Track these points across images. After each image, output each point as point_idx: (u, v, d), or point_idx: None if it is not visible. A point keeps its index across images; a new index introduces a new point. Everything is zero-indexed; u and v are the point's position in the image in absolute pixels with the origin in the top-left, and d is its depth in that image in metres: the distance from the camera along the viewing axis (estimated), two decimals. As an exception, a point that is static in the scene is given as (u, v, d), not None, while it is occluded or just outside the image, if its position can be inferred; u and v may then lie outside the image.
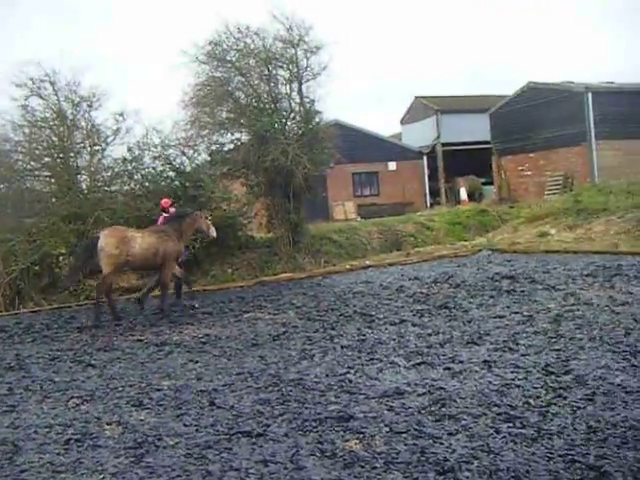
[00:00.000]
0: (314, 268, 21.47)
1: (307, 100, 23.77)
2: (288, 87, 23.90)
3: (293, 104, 23.90)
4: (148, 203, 19.80)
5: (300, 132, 23.31)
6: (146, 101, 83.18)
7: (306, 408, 7.56)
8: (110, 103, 26.93)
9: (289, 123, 23.77)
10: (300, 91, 23.79)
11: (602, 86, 40.37)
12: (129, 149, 21.35)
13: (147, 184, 21.34)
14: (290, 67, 23.54)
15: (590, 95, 38.06)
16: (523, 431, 6.40)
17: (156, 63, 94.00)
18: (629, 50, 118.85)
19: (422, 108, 53.01)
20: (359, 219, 36.85)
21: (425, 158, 47.78)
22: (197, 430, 7.15)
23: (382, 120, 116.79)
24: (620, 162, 36.85)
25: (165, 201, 17.11)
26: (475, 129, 48.13)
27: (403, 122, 56.77)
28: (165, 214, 16.56)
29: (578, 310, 11.76)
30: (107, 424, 7.60)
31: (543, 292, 13.87)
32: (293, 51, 23.53)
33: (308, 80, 23.69)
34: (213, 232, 16.11)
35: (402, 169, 45.53)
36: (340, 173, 38.72)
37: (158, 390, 8.79)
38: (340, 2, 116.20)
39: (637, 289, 13.54)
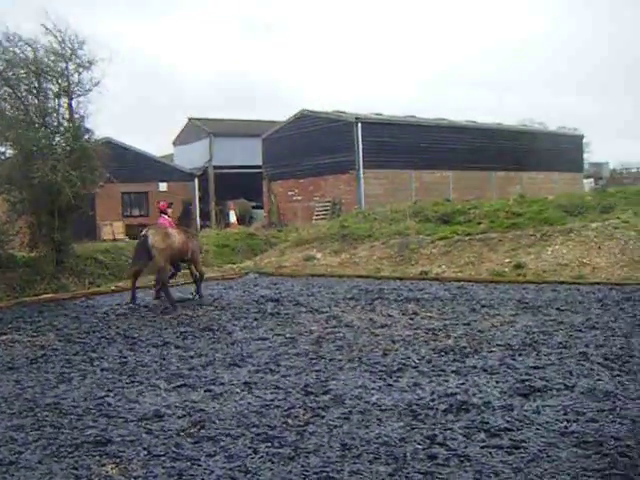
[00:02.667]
0: (78, 289, 20.79)
1: (77, 116, 23.07)
2: (57, 102, 23.11)
3: (62, 119, 23.12)
4: None
5: (69, 149, 22.55)
6: None
7: (62, 433, 7.26)
8: None
9: (57, 139, 22.95)
10: (70, 106, 23.07)
11: (371, 117, 42.17)
12: None
13: None
14: (60, 81, 22.74)
15: (360, 125, 39.58)
16: (281, 450, 6.47)
17: None
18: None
19: (195, 130, 53.14)
20: (127, 239, 36.17)
21: (196, 180, 47.75)
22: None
23: (156, 140, 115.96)
24: (385, 190, 38.60)
25: (162, 204, 18.32)
26: (247, 153, 48.77)
27: (176, 143, 56.57)
28: (165, 215, 17.86)
29: (339, 332, 12.12)
30: None
31: (307, 315, 14.19)
32: (64, 65, 22.79)
33: (79, 95, 22.98)
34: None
35: (173, 190, 45.29)
36: (109, 192, 37.85)
37: None
38: (115, 15, 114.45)
39: (396, 312, 14.19)
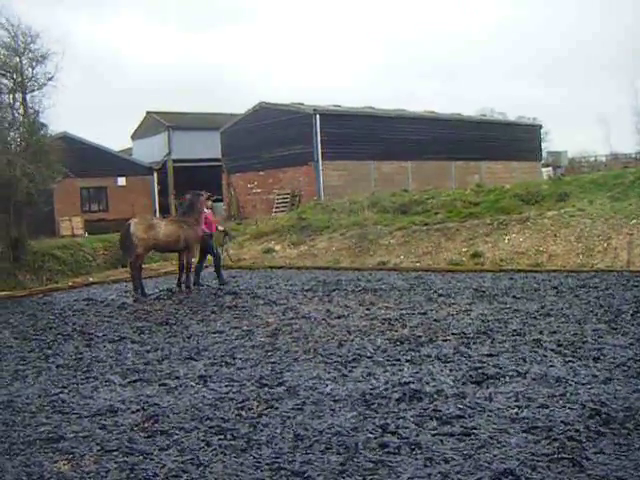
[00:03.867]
0: (35, 286, 20.62)
1: (32, 111, 22.87)
2: (12, 97, 22.89)
3: (17, 114, 22.90)
4: None
5: (25, 144, 22.34)
6: None
7: (14, 431, 7.20)
8: None
9: (12, 134, 22.73)
10: (24, 101, 22.87)
11: (329, 109, 42.11)
12: None
13: None
14: (14, 76, 22.54)
15: (318, 117, 39.54)
16: (233, 442, 6.48)
17: None
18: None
19: (154, 124, 52.72)
20: (86, 235, 35.88)
21: (155, 174, 47.43)
22: None
23: (114, 134, 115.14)
24: (345, 182, 38.61)
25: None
26: (207, 146, 48.53)
27: (134, 137, 56.15)
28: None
29: (296, 324, 12.17)
30: None
31: (264, 307, 14.23)
32: (17, 59, 22.57)
33: (33, 90, 22.82)
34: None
35: (132, 185, 44.99)
36: (68, 187, 37.67)
37: None
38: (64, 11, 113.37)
39: (353, 303, 14.26)
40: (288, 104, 42.65)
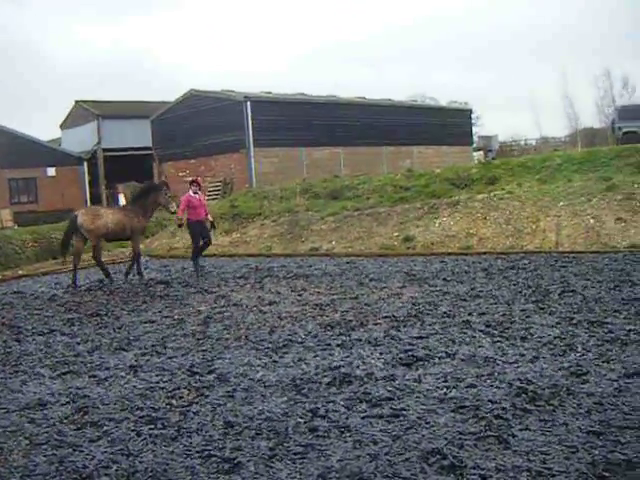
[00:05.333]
0: (-38, 280, 20.20)
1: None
2: None
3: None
4: None
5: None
6: None
7: (-60, 428, 7.09)
8: None
9: None
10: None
11: (261, 95, 42.02)
12: None
13: None
14: None
15: (249, 104, 39.43)
16: (164, 431, 6.47)
17: None
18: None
19: (83, 113, 52.00)
20: (16, 227, 35.24)
21: (85, 164, 46.80)
22: None
23: (42, 125, 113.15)
24: (276, 169, 38.60)
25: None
26: (137, 135, 48.08)
27: (63, 127, 55.30)
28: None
29: (227, 311, 12.18)
30: None
31: (196, 295, 14.21)
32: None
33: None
34: (173, 207, 17.87)
35: (61, 175, 44.36)
36: (-6, 179, 36.97)
37: None
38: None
39: (285, 289, 14.32)
40: (219, 91, 42.42)
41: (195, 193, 18.03)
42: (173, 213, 18.32)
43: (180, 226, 18.85)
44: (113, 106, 52.44)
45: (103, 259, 18.23)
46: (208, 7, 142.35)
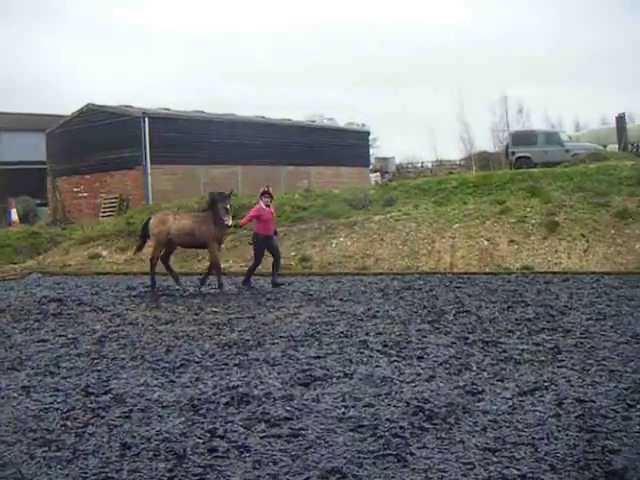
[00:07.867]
0: None
1: None
2: None
3: None
4: None
5: None
6: None
7: None
8: None
9: None
10: None
11: (159, 112, 41.60)
12: None
13: None
14: None
15: (147, 120, 38.91)
16: (58, 454, 6.32)
17: None
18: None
19: (-26, 125, 50.55)
20: None
21: (-25, 177, 45.47)
22: None
23: None
24: (174, 186, 38.21)
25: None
26: (31, 149, 47.01)
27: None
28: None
29: (123, 330, 11.98)
30: None
31: (90, 314, 13.92)
32: None
33: None
34: (228, 219, 16.63)
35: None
36: None
37: None
38: None
39: (181, 308, 14.26)
40: (116, 106, 41.83)
41: (267, 206, 17.05)
42: (230, 227, 17.25)
43: (236, 226, 18.01)
44: (6, 118, 51.12)
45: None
46: (94, 22, 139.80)
